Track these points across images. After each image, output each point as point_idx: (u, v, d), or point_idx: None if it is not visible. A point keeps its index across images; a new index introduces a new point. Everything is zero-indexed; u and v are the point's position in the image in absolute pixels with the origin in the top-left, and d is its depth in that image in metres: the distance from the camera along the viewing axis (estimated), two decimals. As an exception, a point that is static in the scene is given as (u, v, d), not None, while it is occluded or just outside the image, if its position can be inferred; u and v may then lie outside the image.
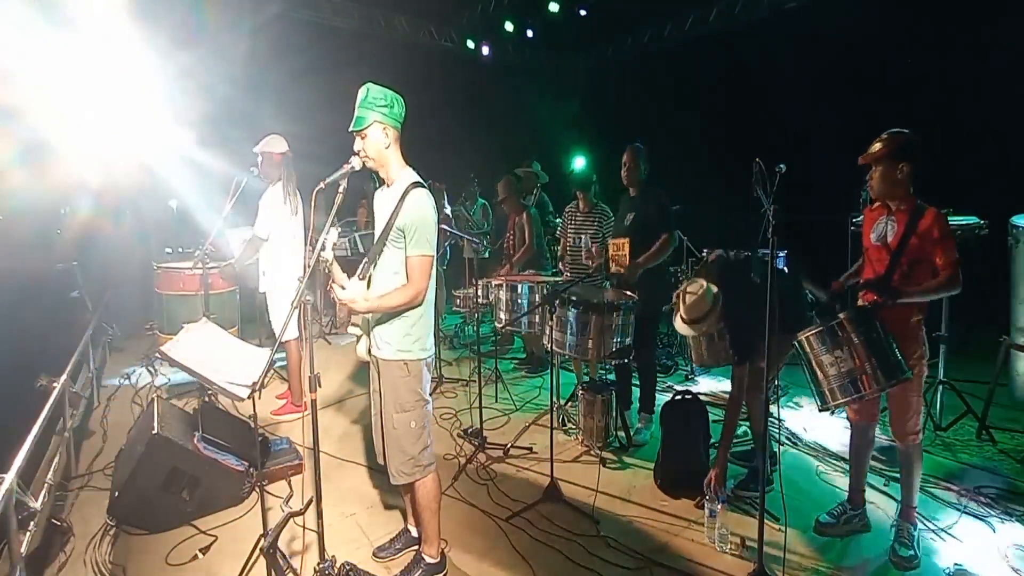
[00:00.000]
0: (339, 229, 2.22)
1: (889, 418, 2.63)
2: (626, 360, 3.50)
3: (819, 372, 2.44)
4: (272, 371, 4.83)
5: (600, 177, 4.35)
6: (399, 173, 2.31)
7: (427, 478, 2.39)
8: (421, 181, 2.30)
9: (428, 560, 2.48)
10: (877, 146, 2.52)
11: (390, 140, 2.25)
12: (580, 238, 4.25)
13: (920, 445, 2.60)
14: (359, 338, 2.45)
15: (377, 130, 2.21)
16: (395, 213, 2.21)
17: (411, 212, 2.19)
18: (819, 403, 2.47)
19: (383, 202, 2.35)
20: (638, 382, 4.00)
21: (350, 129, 2.21)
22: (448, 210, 5.89)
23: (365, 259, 2.33)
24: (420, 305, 2.28)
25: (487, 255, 5.76)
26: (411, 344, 2.30)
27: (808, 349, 2.47)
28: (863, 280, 2.64)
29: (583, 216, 4.29)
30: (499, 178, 5.25)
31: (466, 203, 6.93)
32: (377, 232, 2.33)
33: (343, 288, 2.20)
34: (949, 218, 2.50)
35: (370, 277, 2.34)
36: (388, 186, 2.34)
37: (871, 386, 2.33)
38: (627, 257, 3.68)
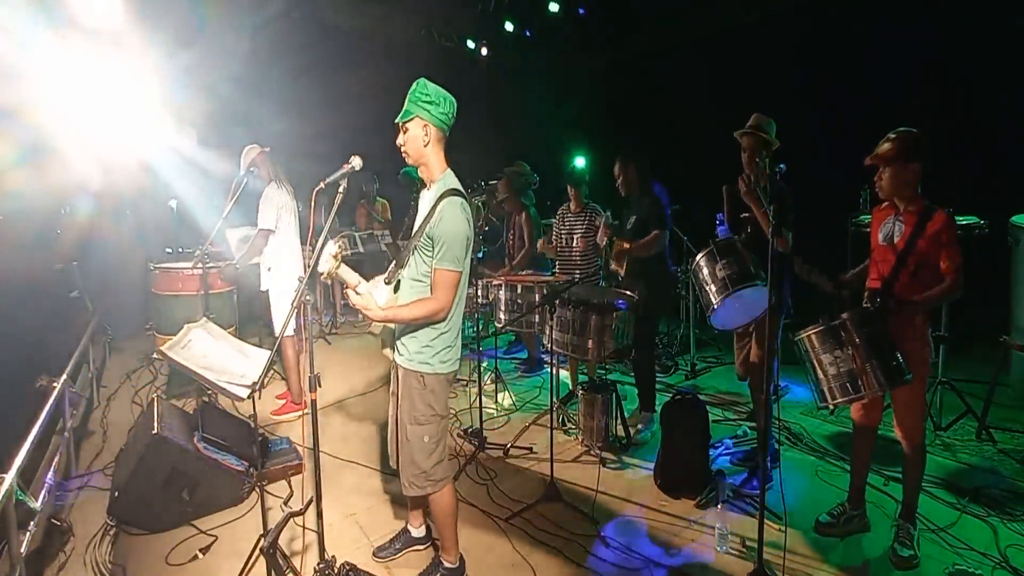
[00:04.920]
0: (338, 242, 2.15)
1: (893, 418, 2.62)
2: (625, 360, 3.51)
3: (819, 371, 2.46)
4: (272, 371, 4.83)
5: (601, 177, 4.36)
6: (438, 175, 2.23)
7: (442, 492, 2.34)
8: (458, 188, 2.20)
9: (447, 565, 2.45)
10: (887, 146, 2.45)
11: (430, 139, 2.18)
12: (572, 238, 4.26)
13: (923, 445, 2.60)
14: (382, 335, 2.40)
15: (417, 126, 2.16)
16: (427, 219, 2.15)
17: (442, 223, 2.11)
18: (818, 401, 2.50)
19: (423, 204, 2.28)
20: (635, 382, 3.99)
21: (396, 120, 2.19)
22: None
23: (394, 263, 2.30)
24: (443, 321, 2.20)
25: (480, 255, 5.74)
26: (429, 357, 2.22)
27: (809, 347, 2.48)
28: (870, 289, 2.60)
29: (574, 216, 4.33)
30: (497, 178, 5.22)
31: None
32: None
33: (357, 293, 2.14)
34: (948, 218, 2.49)
35: (398, 282, 2.28)
36: (427, 188, 2.28)
37: (870, 387, 2.33)
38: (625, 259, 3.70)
